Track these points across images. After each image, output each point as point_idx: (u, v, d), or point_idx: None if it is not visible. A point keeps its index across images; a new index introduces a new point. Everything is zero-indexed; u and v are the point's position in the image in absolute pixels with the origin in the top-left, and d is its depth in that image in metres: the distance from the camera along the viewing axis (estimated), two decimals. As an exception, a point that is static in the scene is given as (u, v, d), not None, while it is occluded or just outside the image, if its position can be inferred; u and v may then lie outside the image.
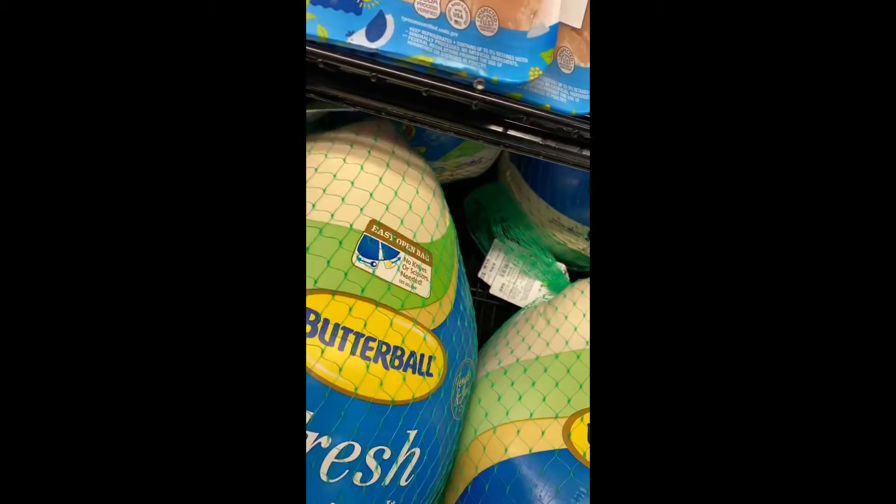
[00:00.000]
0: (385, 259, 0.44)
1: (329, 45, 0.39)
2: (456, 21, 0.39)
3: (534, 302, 0.72)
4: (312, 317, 0.38)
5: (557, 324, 0.60)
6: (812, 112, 0.23)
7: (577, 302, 0.60)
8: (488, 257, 0.78)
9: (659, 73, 0.24)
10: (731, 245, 0.23)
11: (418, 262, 0.46)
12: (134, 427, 0.22)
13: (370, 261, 0.43)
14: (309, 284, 0.39)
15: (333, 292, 0.40)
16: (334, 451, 0.37)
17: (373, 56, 0.39)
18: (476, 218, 0.80)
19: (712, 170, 0.23)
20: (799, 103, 0.23)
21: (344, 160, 0.47)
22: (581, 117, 0.44)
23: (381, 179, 0.47)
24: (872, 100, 0.22)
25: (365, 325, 0.40)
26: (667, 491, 0.22)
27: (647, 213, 0.23)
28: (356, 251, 0.42)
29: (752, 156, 0.23)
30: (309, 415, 0.36)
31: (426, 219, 0.49)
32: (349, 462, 0.38)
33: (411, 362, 0.42)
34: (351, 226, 0.43)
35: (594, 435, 0.24)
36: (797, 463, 0.22)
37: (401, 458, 0.41)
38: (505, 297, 0.76)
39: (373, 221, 0.45)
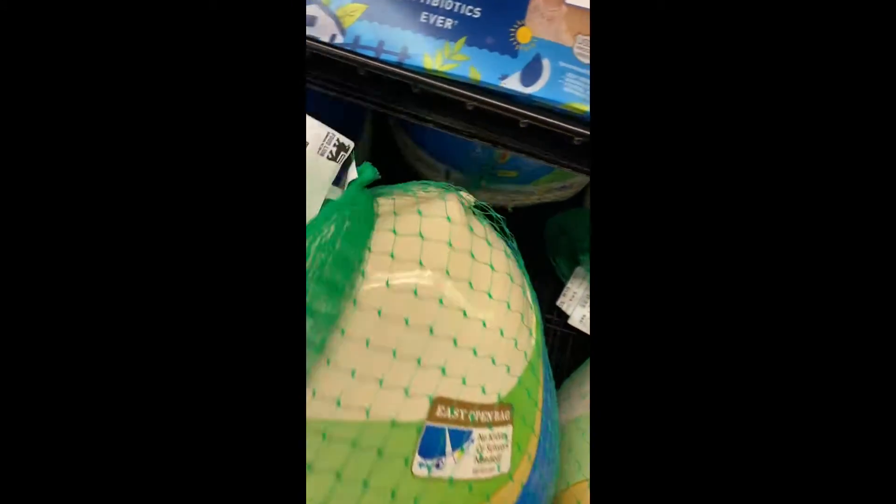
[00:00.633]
0: (455, 450, 0.32)
1: (482, 89, 0.35)
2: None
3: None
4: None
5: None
6: (812, 112, 0.22)
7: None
8: (569, 285, 0.74)
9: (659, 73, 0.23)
10: (735, 250, 0.22)
11: (500, 430, 0.33)
12: (134, 427, 0.22)
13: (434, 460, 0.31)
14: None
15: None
16: None
17: (528, 100, 0.36)
18: (557, 243, 0.77)
19: (726, 176, 0.23)
20: (799, 103, 0.23)
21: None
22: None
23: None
24: (872, 100, 0.22)
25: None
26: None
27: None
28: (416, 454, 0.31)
29: (752, 156, 0.23)
30: None
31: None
32: None
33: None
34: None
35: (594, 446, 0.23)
36: (797, 463, 0.21)
37: None
38: (585, 330, 0.73)
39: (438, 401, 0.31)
